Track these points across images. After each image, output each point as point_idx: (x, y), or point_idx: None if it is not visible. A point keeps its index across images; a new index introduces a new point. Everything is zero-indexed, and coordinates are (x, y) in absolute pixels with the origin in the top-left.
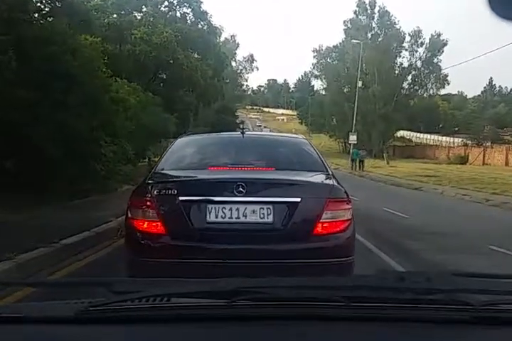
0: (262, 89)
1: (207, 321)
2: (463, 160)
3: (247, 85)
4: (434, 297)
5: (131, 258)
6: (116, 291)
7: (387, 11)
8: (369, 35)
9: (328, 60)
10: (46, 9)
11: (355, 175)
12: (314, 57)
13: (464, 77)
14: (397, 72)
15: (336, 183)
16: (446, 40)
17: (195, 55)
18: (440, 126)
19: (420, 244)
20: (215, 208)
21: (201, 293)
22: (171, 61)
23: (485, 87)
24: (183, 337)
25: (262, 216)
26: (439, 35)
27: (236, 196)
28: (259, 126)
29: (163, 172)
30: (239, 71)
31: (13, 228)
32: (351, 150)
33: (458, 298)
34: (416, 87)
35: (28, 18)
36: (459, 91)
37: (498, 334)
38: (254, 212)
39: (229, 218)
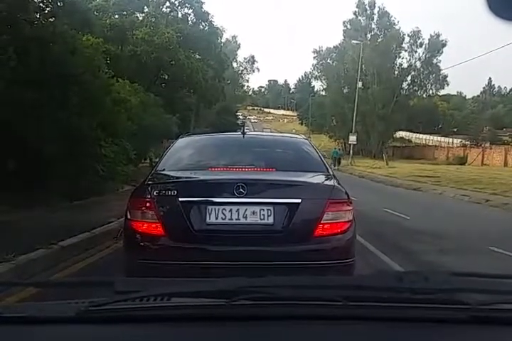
0: (263, 90)
1: (207, 320)
2: (462, 161)
3: (247, 86)
4: (432, 296)
5: (130, 260)
6: (118, 291)
7: (386, 11)
8: (368, 36)
9: (328, 60)
10: (47, 9)
11: (355, 175)
12: (314, 58)
13: (463, 78)
14: (396, 72)
15: (336, 184)
16: (446, 41)
17: (197, 56)
18: (439, 126)
19: (420, 245)
20: (215, 209)
21: (202, 293)
22: (173, 62)
23: (484, 88)
24: (184, 336)
25: (262, 217)
26: (438, 35)
27: (236, 197)
28: (255, 122)
29: (163, 172)
30: (240, 72)
31: (13, 229)
32: (332, 150)
33: (456, 298)
34: (415, 88)
35: (28, 17)
36: (458, 92)
37: (496, 333)
38: (254, 213)
39: (229, 219)
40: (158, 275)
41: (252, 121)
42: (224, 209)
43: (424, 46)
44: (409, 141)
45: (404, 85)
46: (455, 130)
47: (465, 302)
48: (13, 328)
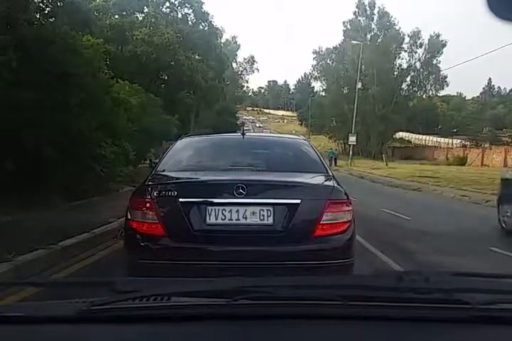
0: (263, 90)
1: (207, 320)
2: (462, 161)
3: (247, 87)
4: (432, 296)
5: (130, 260)
6: (118, 291)
7: (386, 12)
8: (368, 36)
9: (328, 61)
10: (47, 9)
11: (354, 176)
12: (314, 58)
13: (463, 78)
14: (396, 73)
15: (336, 185)
16: (446, 41)
17: (196, 57)
18: (439, 127)
19: (421, 246)
20: (215, 210)
21: (202, 293)
22: (172, 62)
23: (484, 88)
24: (184, 336)
25: (262, 218)
26: (438, 36)
27: (236, 197)
28: (260, 127)
29: (163, 173)
30: (240, 72)
31: (13, 229)
32: (328, 151)
33: (456, 297)
34: (415, 88)
35: (28, 18)
36: (457, 93)
37: (497, 333)
38: (254, 213)
39: (229, 220)
40: (158, 275)
41: (258, 125)
42: (224, 209)
43: (424, 46)
44: (409, 141)
45: (404, 86)
46: (455, 131)
47: (465, 302)
48: (13, 327)
